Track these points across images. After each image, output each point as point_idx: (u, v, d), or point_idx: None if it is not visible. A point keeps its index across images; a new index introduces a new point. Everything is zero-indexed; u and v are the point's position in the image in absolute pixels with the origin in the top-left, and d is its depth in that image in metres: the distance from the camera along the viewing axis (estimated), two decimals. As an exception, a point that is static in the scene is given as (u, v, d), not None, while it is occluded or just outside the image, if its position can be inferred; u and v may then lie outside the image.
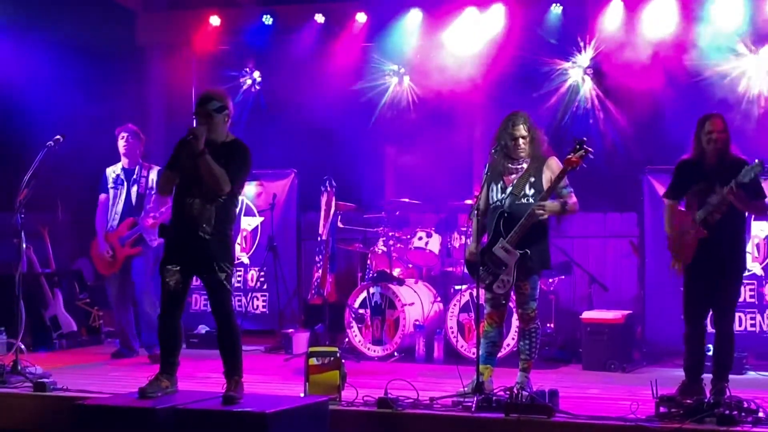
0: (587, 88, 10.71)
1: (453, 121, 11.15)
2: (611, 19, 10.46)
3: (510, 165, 7.21)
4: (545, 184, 7.10)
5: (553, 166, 7.14)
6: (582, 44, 10.58)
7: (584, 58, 10.63)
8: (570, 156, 6.86)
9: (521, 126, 7.14)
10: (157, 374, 6.83)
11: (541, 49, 10.65)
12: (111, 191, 9.60)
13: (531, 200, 7.07)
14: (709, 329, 7.31)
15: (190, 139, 6.60)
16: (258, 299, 11.31)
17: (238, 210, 7.19)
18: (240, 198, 11.01)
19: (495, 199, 7.22)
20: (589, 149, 6.82)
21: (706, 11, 9.91)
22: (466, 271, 7.72)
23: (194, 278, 6.99)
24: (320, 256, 10.15)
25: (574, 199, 7.11)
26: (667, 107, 10.00)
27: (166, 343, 6.93)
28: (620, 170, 10.20)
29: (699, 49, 9.88)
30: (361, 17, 11.44)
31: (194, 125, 6.81)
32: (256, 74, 12.14)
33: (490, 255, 7.13)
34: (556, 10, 10.69)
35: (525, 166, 7.18)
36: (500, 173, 7.24)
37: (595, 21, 10.52)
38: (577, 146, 6.85)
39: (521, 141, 7.13)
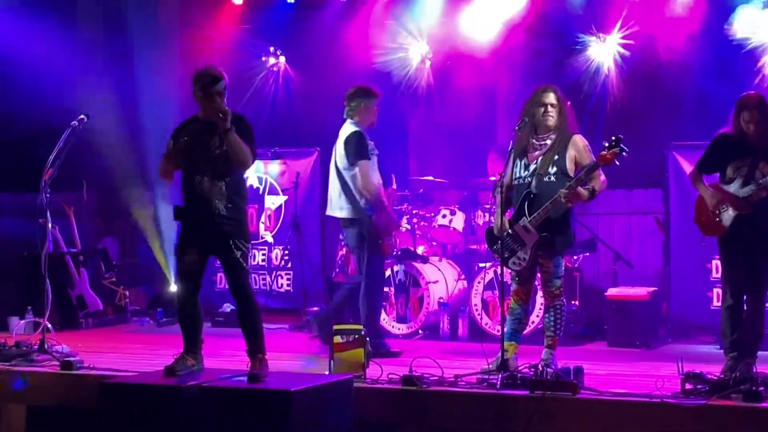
0: (612, 62, 10.61)
1: (476, 97, 11.10)
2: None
3: (535, 141, 7.19)
4: (568, 163, 7.07)
5: (578, 144, 7.11)
6: (607, 18, 10.49)
7: (609, 32, 10.53)
8: (604, 152, 6.81)
9: (551, 94, 7.16)
10: (182, 353, 6.86)
11: (564, 24, 10.57)
12: (372, 157, 8.47)
13: (553, 179, 7.05)
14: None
15: (220, 118, 6.60)
16: (282, 278, 11.33)
17: (247, 185, 7.16)
18: (263, 177, 11.22)
19: (518, 176, 7.20)
20: (625, 148, 6.76)
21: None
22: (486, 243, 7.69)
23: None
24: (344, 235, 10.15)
25: (603, 177, 7.07)
26: (693, 81, 9.92)
27: (188, 322, 6.95)
28: (645, 146, 10.13)
29: (728, 22, 9.79)
30: (383, -7, 11.41)
31: (206, 104, 6.77)
32: (279, 52, 12.12)
33: (511, 231, 7.13)
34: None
35: (549, 142, 7.15)
36: (525, 149, 7.22)
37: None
38: (613, 143, 6.79)
39: (550, 108, 7.12)
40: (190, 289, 6.91)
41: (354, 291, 8.52)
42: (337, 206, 8.53)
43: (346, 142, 8.37)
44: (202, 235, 6.80)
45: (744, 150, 6.95)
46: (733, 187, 6.95)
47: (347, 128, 8.45)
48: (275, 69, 12.14)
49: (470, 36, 10.85)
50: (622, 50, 10.52)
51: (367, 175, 8.27)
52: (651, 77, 10.40)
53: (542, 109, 7.13)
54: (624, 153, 6.78)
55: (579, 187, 6.93)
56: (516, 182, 7.23)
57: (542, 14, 10.58)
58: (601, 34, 10.56)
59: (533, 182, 7.10)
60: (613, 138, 6.80)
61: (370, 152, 8.39)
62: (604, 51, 10.63)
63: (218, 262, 7.23)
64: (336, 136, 11.22)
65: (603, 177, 7.08)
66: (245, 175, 7.17)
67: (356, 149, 8.28)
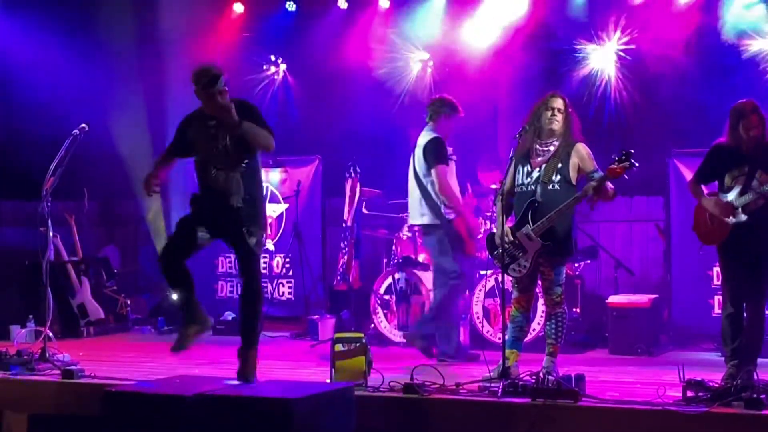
0: (613, 69, 10.63)
1: (477, 105, 11.11)
2: (638, 0, 10.40)
3: (538, 146, 7.20)
4: (572, 171, 7.09)
5: (581, 152, 7.13)
6: (608, 25, 10.52)
7: (610, 39, 10.55)
8: (614, 166, 6.83)
9: (559, 100, 7.21)
10: (181, 326, 6.88)
11: (565, 32, 10.59)
12: (450, 163, 8.71)
13: (557, 187, 7.07)
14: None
15: (225, 117, 6.60)
16: (284, 286, 11.34)
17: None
18: (264, 185, 11.20)
19: (521, 182, 7.21)
20: (635, 163, 6.79)
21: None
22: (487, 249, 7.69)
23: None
24: (345, 242, 10.18)
25: (611, 185, 7.07)
26: (694, 89, 9.93)
27: (176, 285, 6.90)
28: (646, 153, 10.12)
29: (725, 31, 9.82)
30: (384, 2, 11.44)
31: (208, 103, 6.77)
32: (280, 61, 12.14)
33: (513, 238, 7.14)
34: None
35: (552, 149, 7.16)
36: (527, 155, 7.23)
37: (621, 2, 10.45)
38: (623, 157, 6.82)
39: (557, 113, 7.16)
40: (176, 256, 6.82)
41: (446, 297, 8.51)
42: (418, 213, 8.64)
43: (425, 147, 8.51)
44: (216, 224, 6.80)
45: (740, 159, 6.96)
46: (731, 196, 6.96)
47: (426, 135, 8.60)
48: (276, 77, 12.16)
49: (471, 44, 10.87)
50: (623, 54, 10.54)
51: (444, 180, 8.41)
52: (651, 84, 10.41)
53: (549, 113, 7.16)
54: (634, 168, 6.81)
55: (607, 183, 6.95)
56: (519, 189, 7.24)
57: (543, 22, 10.62)
58: (601, 42, 10.57)
59: (538, 190, 7.12)
60: (623, 152, 6.82)
61: (449, 158, 8.57)
62: (604, 58, 10.65)
63: (221, 270, 7.21)
64: (337, 144, 11.34)
65: (611, 185, 7.10)
66: (258, 158, 7.13)
67: (435, 154, 8.44)
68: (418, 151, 8.59)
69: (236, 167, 6.72)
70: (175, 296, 6.99)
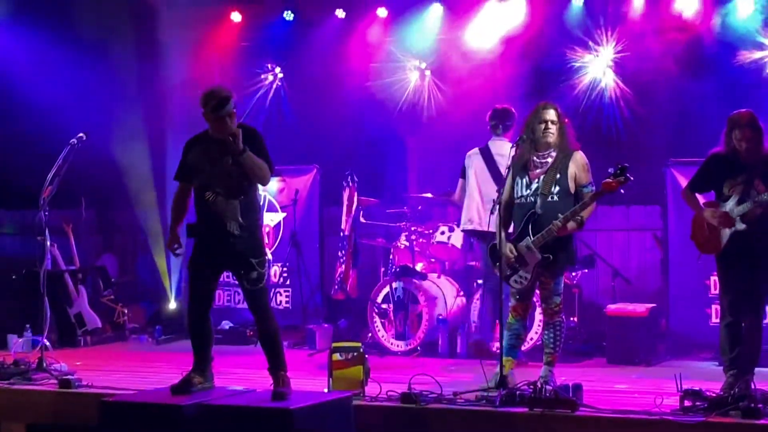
0: (609, 79, 10.65)
1: (475, 114, 11.12)
2: (633, 10, 10.42)
3: (536, 158, 7.20)
4: (570, 182, 7.09)
5: (578, 161, 7.13)
6: (604, 35, 10.54)
7: (606, 49, 10.57)
8: (610, 180, 6.83)
9: (552, 111, 7.19)
10: (189, 371, 6.83)
11: (562, 42, 10.61)
12: None
13: (556, 198, 7.07)
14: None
15: (230, 142, 6.58)
16: (281, 294, 11.33)
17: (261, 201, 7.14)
18: (262, 194, 11.22)
19: (520, 194, 7.20)
20: (630, 177, 6.80)
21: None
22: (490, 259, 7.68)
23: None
24: (343, 251, 10.17)
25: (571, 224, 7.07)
26: (690, 98, 9.95)
27: (197, 340, 6.90)
28: (643, 163, 10.13)
29: (723, 39, 9.85)
30: (382, 12, 11.45)
31: (215, 127, 6.76)
32: (278, 70, 12.15)
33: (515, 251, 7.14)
34: (578, 1, 10.66)
35: (550, 160, 7.16)
36: (525, 167, 7.22)
37: (617, 12, 10.48)
38: (619, 171, 6.82)
39: (551, 125, 7.14)
40: (203, 308, 6.87)
41: None
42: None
43: None
44: (216, 255, 6.77)
45: (737, 168, 6.96)
46: (729, 205, 6.96)
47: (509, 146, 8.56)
48: (274, 86, 12.16)
49: (468, 53, 10.89)
50: (619, 68, 10.55)
51: None
52: (649, 94, 10.42)
53: (543, 126, 7.15)
54: (630, 182, 6.81)
55: (571, 221, 6.96)
56: (518, 201, 7.23)
57: (540, 32, 10.62)
58: (598, 52, 10.59)
59: (537, 202, 7.11)
60: (619, 166, 6.83)
61: None
62: (601, 68, 10.66)
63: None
64: (335, 153, 11.32)
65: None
66: (259, 191, 7.14)
67: None
68: (507, 161, 8.56)
69: (235, 194, 6.70)
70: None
